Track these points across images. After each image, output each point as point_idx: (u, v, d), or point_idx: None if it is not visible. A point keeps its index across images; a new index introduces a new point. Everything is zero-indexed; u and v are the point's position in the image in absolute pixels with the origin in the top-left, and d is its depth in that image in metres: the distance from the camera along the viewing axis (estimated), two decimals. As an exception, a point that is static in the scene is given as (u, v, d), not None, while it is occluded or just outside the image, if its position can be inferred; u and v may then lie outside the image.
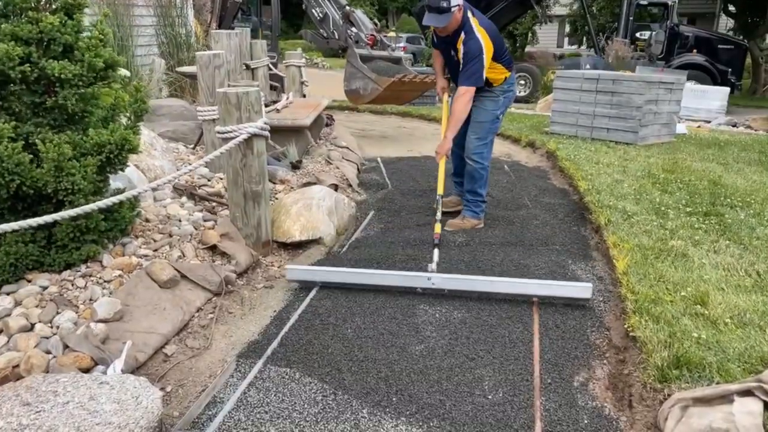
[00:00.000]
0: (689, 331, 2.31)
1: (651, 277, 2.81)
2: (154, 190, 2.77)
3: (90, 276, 2.53)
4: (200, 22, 7.44)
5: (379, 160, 5.95)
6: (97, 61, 2.52)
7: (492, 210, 4.18)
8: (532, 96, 14.63)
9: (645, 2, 14.32)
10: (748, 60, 16.60)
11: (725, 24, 21.03)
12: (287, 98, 5.80)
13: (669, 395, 1.97)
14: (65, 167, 2.41)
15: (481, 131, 3.74)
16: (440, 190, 3.63)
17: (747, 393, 1.82)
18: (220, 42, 4.17)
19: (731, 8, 19.27)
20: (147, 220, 3.18)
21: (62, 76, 2.41)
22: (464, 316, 2.72)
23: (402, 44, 22.28)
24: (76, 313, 2.30)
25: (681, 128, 7.85)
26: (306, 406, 2.07)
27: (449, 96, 3.92)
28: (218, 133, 2.99)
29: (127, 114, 2.71)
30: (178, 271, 2.65)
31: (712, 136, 7.90)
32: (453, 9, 3.33)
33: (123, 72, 4.65)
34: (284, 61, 6.65)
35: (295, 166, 4.76)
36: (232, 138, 2.91)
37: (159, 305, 2.45)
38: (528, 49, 25.08)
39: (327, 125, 6.71)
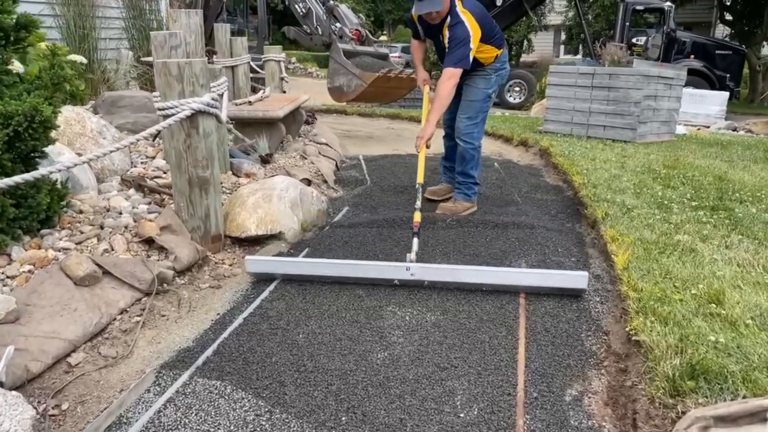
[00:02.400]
0: (704, 334, 1.91)
1: (656, 273, 2.42)
2: (69, 168, 2.36)
3: (-9, 271, 2.14)
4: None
5: (360, 157, 5.57)
6: (5, 18, 2.15)
7: (479, 206, 3.81)
8: (527, 102, 14.31)
9: (641, 7, 14.08)
10: (746, 69, 16.36)
11: (722, 32, 20.84)
12: (263, 92, 5.45)
13: (683, 412, 1.57)
14: (-40, 141, 2.03)
15: (472, 111, 3.60)
16: (420, 179, 3.30)
17: (784, 410, 1.42)
18: (178, 21, 3.79)
19: (728, 17, 19.08)
20: (80, 212, 2.79)
21: (-41, 33, 2.05)
22: (438, 318, 2.32)
23: (397, 53, 22.11)
24: (-37, 313, 1.90)
25: (680, 129, 7.52)
26: (233, 427, 1.67)
27: (431, 89, 3.80)
28: (158, 110, 2.60)
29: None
30: (100, 267, 2.24)
31: (713, 137, 7.56)
32: None
33: (78, 58, 4.28)
34: (262, 56, 6.28)
35: (266, 160, 4.37)
36: (173, 114, 2.53)
37: (69, 305, 2.04)
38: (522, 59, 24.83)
39: (308, 123, 6.35)
